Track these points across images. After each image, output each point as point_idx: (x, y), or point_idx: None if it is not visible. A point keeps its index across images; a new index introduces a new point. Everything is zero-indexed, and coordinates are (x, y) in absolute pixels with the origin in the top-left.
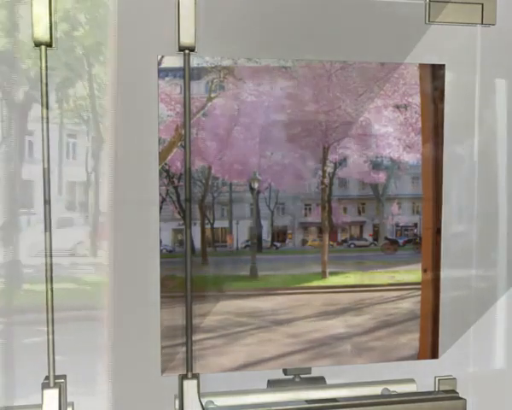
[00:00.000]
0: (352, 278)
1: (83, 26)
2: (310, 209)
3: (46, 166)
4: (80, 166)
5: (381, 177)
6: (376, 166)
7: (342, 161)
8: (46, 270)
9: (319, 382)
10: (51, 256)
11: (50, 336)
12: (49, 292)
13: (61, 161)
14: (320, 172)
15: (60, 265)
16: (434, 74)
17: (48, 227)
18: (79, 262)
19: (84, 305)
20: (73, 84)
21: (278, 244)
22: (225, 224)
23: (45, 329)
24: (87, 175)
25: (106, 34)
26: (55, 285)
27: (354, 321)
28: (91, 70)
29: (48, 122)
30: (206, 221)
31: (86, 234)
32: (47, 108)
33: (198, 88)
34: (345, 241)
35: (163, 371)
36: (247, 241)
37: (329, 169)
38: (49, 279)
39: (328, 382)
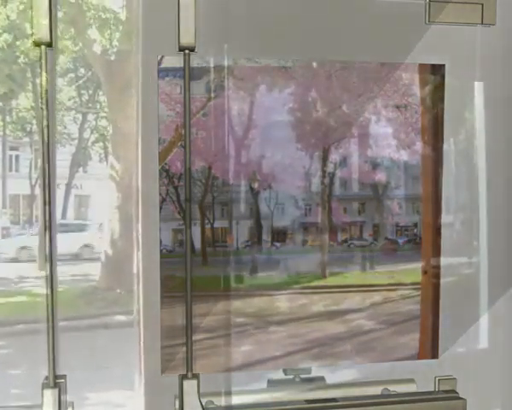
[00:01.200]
0: (351, 279)
1: (28, 36)
2: (310, 209)
3: (46, 166)
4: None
5: (380, 177)
6: (376, 165)
7: (342, 161)
8: (47, 273)
9: (319, 382)
10: (51, 259)
11: (51, 337)
12: (50, 294)
13: (5, 173)
14: (320, 173)
15: (7, 279)
16: (434, 74)
17: (47, 228)
18: (27, 275)
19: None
20: (16, 95)
21: (278, 244)
22: (225, 224)
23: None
24: (31, 187)
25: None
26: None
27: (354, 321)
28: (35, 80)
29: (48, 123)
30: (206, 221)
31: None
32: (47, 108)
33: (198, 88)
34: (345, 241)
35: (163, 371)
36: (247, 241)
37: (329, 169)
38: (50, 282)
39: (328, 382)
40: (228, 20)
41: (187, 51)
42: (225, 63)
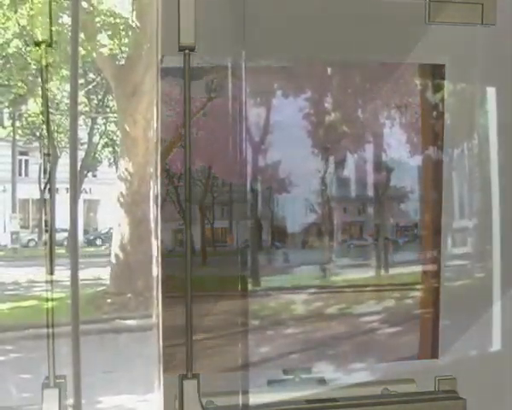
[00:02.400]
0: (351, 279)
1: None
2: (310, 209)
3: (47, 169)
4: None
5: (381, 177)
6: (377, 166)
7: (343, 162)
8: (47, 278)
9: (319, 382)
10: (52, 263)
11: (51, 339)
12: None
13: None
14: (320, 173)
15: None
16: (434, 74)
17: (48, 227)
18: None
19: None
20: (26, 100)
21: (278, 244)
22: (225, 224)
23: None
24: (40, 192)
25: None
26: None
27: (354, 321)
28: (45, 86)
29: (48, 123)
30: (206, 221)
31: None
32: (47, 105)
33: (198, 88)
34: (345, 241)
35: (163, 371)
36: (247, 241)
37: (330, 170)
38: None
39: (328, 382)
40: (228, 20)
41: (187, 51)
42: (225, 63)
